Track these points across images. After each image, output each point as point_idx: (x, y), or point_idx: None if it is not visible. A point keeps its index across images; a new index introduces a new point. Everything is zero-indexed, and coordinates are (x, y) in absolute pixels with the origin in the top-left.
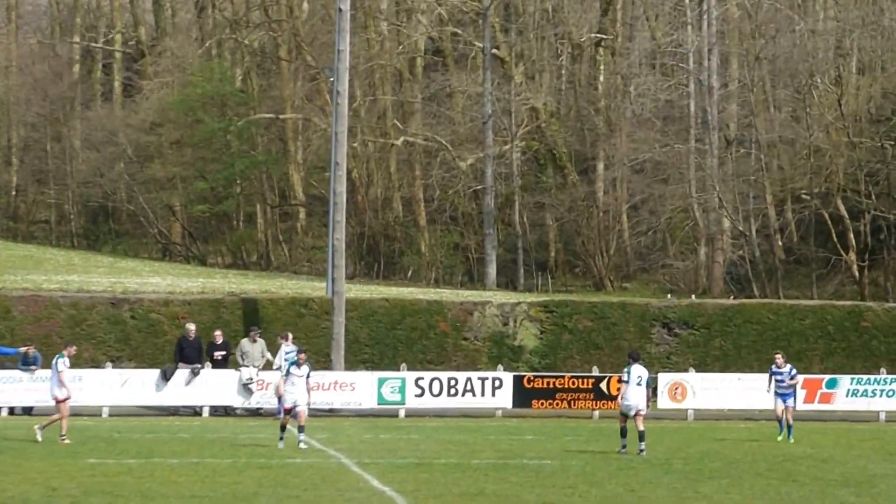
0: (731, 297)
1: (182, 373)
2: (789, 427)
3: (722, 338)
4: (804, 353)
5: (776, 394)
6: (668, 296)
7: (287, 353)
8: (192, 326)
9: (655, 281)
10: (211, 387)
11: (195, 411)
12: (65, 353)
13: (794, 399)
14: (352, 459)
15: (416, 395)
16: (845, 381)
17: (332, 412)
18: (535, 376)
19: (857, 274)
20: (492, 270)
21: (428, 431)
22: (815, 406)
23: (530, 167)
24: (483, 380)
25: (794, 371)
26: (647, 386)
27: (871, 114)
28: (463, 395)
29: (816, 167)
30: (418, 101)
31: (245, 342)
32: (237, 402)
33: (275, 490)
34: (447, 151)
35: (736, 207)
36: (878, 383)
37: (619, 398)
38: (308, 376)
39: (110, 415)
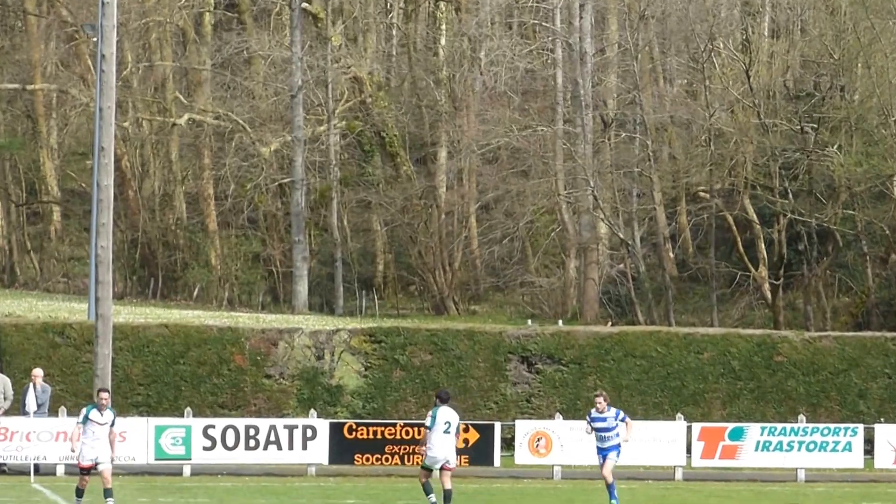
0: (609, 323)
1: None
2: (611, 490)
3: (597, 375)
4: (702, 395)
5: (598, 449)
6: (529, 322)
7: (41, 394)
8: None
9: (512, 303)
10: None
11: None
12: None
13: (619, 453)
14: None
15: (204, 448)
16: (754, 430)
17: (96, 469)
18: (359, 424)
19: (769, 295)
20: (302, 289)
21: (220, 494)
22: (716, 462)
23: (352, 155)
24: (291, 428)
25: (621, 415)
26: (457, 434)
27: (788, 89)
28: (265, 447)
29: (718, 157)
30: (207, 68)
31: None
32: None
33: None
34: (245, 133)
35: (615, 208)
36: (796, 433)
37: (423, 445)
38: (113, 424)
39: None
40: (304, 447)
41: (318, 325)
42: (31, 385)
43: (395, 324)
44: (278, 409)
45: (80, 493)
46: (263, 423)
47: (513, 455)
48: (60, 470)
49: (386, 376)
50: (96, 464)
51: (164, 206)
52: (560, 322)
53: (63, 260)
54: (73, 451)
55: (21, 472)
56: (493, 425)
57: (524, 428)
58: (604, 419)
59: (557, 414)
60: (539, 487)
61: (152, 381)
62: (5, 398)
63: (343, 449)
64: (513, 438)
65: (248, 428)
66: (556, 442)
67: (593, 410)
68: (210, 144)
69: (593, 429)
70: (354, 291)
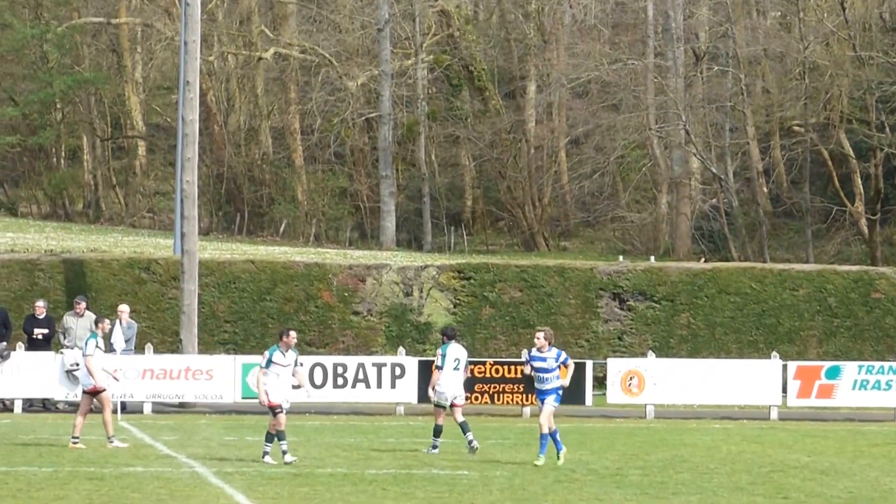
0: (702, 259)
1: None
2: (554, 439)
3: (690, 312)
4: (797, 333)
5: (537, 392)
6: (620, 258)
7: (128, 331)
8: None
9: (603, 239)
10: (25, 374)
11: (3, 406)
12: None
13: (559, 397)
14: (210, 468)
15: (293, 386)
16: (851, 369)
17: (183, 407)
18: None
19: (865, 230)
20: (390, 224)
21: (308, 433)
22: (812, 401)
23: (440, 89)
24: (379, 366)
25: (562, 356)
26: (465, 369)
27: (885, 20)
28: (353, 385)
29: (813, 90)
30: (293, 1)
31: (68, 317)
32: (59, 393)
33: None
34: (331, 67)
35: (707, 143)
36: (894, 372)
37: (432, 387)
38: (296, 363)
39: None
40: (393, 385)
41: (405, 262)
42: (117, 321)
43: (484, 260)
44: (366, 347)
45: (272, 437)
46: (351, 361)
47: (604, 394)
48: (148, 408)
49: (475, 313)
50: (281, 407)
51: (249, 141)
52: (652, 258)
53: (148, 195)
54: (263, 402)
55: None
56: (584, 364)
57: (616, 366)
58: (543, 359)
59: (650, 352)
60: (631, 427)
61: (239, 318)
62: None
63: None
64: (604, 377)
65: (335, 366)
66: (649, 380)
67: (533, 349)
68: (296, 78)
69: (532, 368)
70: (442, 227)
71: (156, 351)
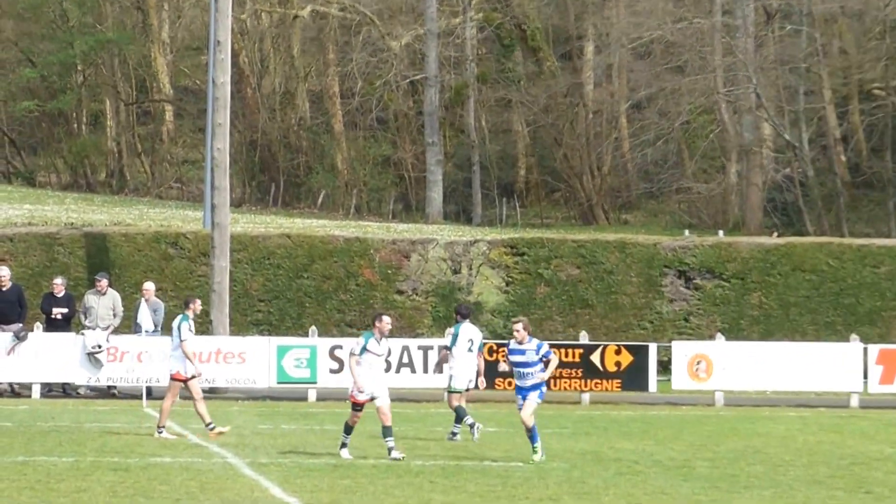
0: (775, 233)
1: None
2: (531, 435)
3: (762, 291)
4: (879, 314)
5: (516, 388)
6: (686, 232)
7: (154, 311)
8: (4, 272)
9: (667, 211)
10: (43, 357)
11: (16, 390)
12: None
13: (542, 393)
14: (243, 459)
15: (330, 371)
16: None
17: (213, 392)
18: (500, 345)
19: None
20: (436, 196)
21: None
22: None
23: (490, 49)
24: (425, 350)
25: (543, 348)
26: (479, 353)
27: None
28: (398, 370)
29: (894, 51)
30: None
31: (90, 295)
32: (80, 377)
33: (133, 501)
34: (373, 26)
35: (780, 108)
36: None
37: (442, 362)
38: (389, 353)
39: None
40: (440, 370)
41: (453, 236)
42: (143, 301)
43: (538, 234)
44: (411, 329)
45: (349, 430)
46: (395, 344)
47: (669, 380)
48: None
49: (529, 292)
50: (372, 398)
51: (285, 105)
52: (720, 232)
53: (176, 163)
54: (359, 390)
55: (132, 395)
56: (647, 347)
57: (682, 350)
58: (521, 352)
59: (718, 334)
60: (699, 415)
61: (273, 296)
62: (115, 315)
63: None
64: (669, 361)
65: None
66: (718, 365)
67: (512, 341)
68: (335, 38)
69: (510, 363)
70: (493, 199)
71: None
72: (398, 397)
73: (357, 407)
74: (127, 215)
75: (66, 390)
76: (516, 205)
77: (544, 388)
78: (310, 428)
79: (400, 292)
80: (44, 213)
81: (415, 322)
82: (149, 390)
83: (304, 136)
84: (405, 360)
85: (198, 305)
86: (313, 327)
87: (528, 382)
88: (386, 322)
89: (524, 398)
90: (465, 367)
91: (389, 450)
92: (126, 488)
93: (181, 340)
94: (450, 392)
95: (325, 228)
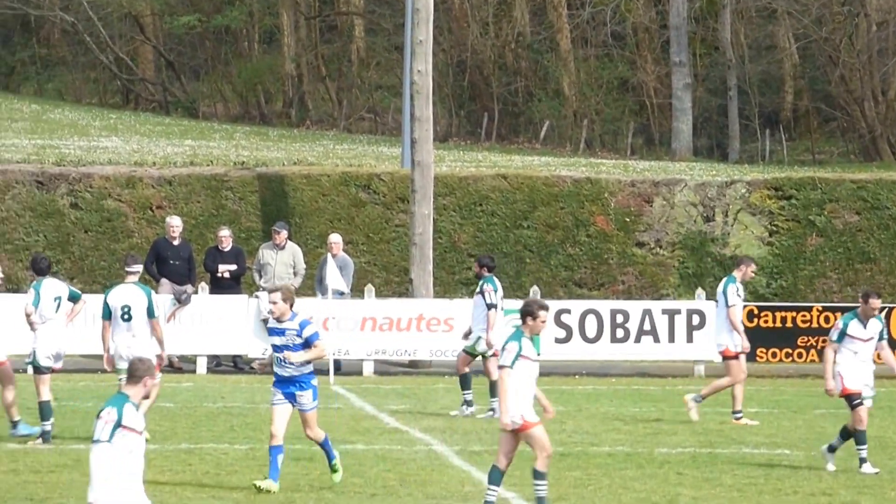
0: None
1: (161, 300)
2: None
3: None
4: None
5: (277, 379)
6: None
7: (342, 268)
8: (176, 222)
9: None
10: (209, 324)
11: (178, 365)
12: None
13: (315, 395)
14: (450, 446)
15: (556, 340)
16: None
17: (414, 366)
18: (762, 308)
19: None
20: (685, 127)
21: (578, 399)
22: None
23: None
24: (672, 314)
25: (308, 329)
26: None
27: None
28: (637, 339)
29: None
30: None
31: (265, 250)
32: (253, 348)
33: (321, 496)
34: None
35: None
36: None
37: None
38: (880, 337)
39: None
40: (689, 339)
41: (705, 176)
42: (329, 256)
43: (809, 173)
44: (654, 289)
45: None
46: (634, 307)
47: None
48: (368, 368)
49: (797, 244)
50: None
51: (500, 18)
52: None
53: (368, 90)
54: (831, 391)
55: (317, 370)
56: None
57: None
58: (281, 332)
59: None
60: None
61: (487, 249)
62: (295, 273)
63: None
64: None
65: (613, 313)
66: None
67: (270, 317)
68: None
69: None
70: (755, 130)
71: (378, 294)
72: (638, 371)
73: (854, 400)
74: (309, 152)
75: (237, 364)
76: (782, 137)
77: (315, 380)
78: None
79: (640, 244)
80: (209, 151)
81: (658, 280)
82: (337, 364)
83: (523, 55)
84: (646, 326)
85: (750, 270)
86: (535, 287)
87: (285, 374)
88: (875, 303)
89: (291, 400)
90: (500, 328)
91: (862, 461)
92: (310, 481)
93: (728, 307)
94: (466, 353)
95: (549, 167)
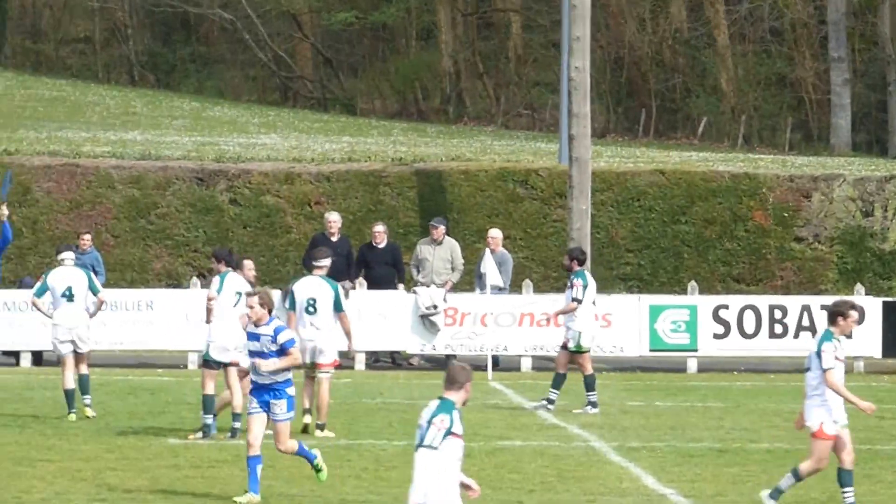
0: None
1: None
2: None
3: None
4: None
5: (254, 387)
6: None
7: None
8: (334, 218)
9: None
10: (366, 320)
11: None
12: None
13: (292, 399)
14: (608, 442)
15: (715, 336)
16: None
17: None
18: None
19: None
20: (843, 122)
21: (735, 396)
22: None
23: None
24: None
25: (284, 333)
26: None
27: None
28: (796, 335)
29: None
30: None
31: (423, 245)
32: (412, 345)
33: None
34: None
35: None
36: None
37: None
38: None
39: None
40: (848, 335)
41: (864, 171)
42: (488, 252)
43: None
44: (812, 284)
45: None
46: (793, 303)
47: None
48: (526, 364)
49: None
50: None
51: (657, 14)
52: None
53: (525, 86)
54: None
55: (475, 365)
56: None
57: None
58: (256, 337)
59: None
60: None
61: (644, 246)
62: (453, 268)
63: None
64: None
65: (772, 309)
66: None
67: (248, 322)
68: None
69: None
70: None
71: (536, 289)
72: (797, 367)
73: None
74: (466, 148)
75: (395, 360)
76: None
77: (292, 389)
78: (690, 405)
79: (798, 239)
80: (367, 147)
81: (817, 275)
82: (495, 360)
83: (680, 51)
84: (805, 322)
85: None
86: (693, 283)
87: (262, 380)
88: None
89: (265, 409)
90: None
91: None
92: (468, 477)
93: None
94: (566, 350)
95: (707, 163)
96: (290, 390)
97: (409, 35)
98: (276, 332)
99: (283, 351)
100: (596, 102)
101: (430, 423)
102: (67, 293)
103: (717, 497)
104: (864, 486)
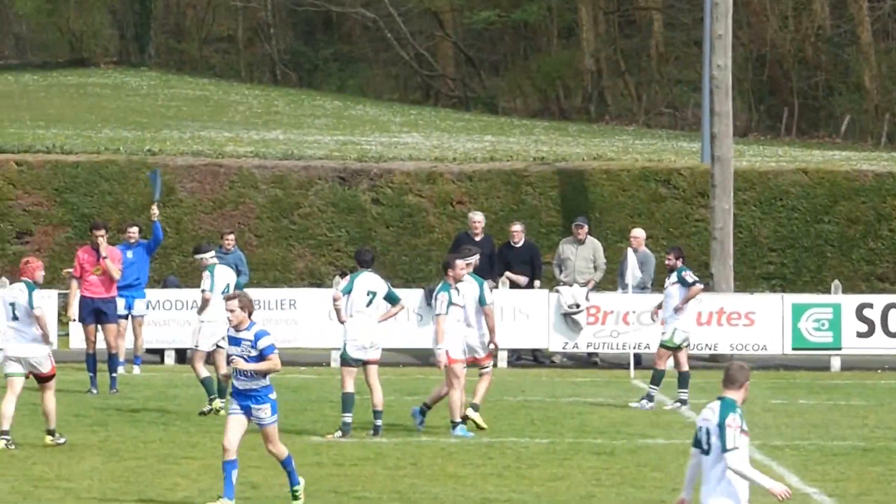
0: None
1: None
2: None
3: None
4: None
5: (234, 391)
6: None
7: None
8: (478, 217)
9: None
10: (510, 318)
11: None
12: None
13: (275, 404)
14: (752, 440)
15: (858, 334)
16: None
17: (715, 360)
18: None
19: None
20: None
21: (881, 394)
22: None
23: None
24: None
25: (264, 339)
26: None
27: None
28: None
29: None
30: None
31: (565, 245)
32: (554, 342)
33: (620, 490)
34: None
35: None
36: None
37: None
38: None
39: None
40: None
41: None
42: (630, 251)
43: None
44: None
45: None
46: None
47: None
48: (668, 362)
49: None
50: None
51: (799, 12)
52: None
53: (667, 85)
54: None
55: (618, 364)
56: None
57: None
58: (237, 341)
59: None
60: None
61: (787, 245)
62: (595, 268)
63: None
64: None
65: None
66: None
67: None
68: None
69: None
70: None
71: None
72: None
73: None
74: (608, 147)
75: (537, 358)
76: None
77: (273, 394)
78: (833, 403)
79: None
80: (508, 146)
81: None
82: (637, 358)
83: (823, 48)
84: None
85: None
86: (836, 282)
87: (247, 386)
88: None
89: (247, 413)
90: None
91: None
92: (611, 475)
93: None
94: (675, 349)
95: (851, 162)
96: (273, 395)
97: (550, 33)
98: (257, 337)
99: (262, 357)
100: (738, 101)
101: (720, 425)
102: (226, 291)
103: (861, 496)
104: None
